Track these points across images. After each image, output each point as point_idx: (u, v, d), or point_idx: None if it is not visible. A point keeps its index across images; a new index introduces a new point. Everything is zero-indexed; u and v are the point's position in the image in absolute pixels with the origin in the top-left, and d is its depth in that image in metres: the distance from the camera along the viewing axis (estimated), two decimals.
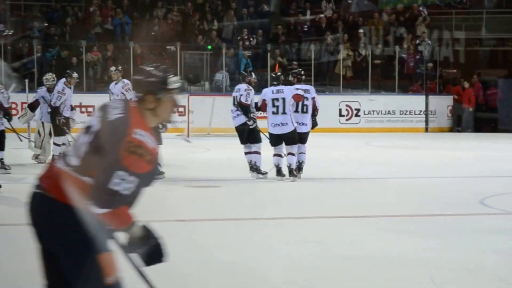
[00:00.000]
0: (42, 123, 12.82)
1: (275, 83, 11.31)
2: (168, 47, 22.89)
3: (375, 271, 5.71)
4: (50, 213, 3.25)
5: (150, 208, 8.68)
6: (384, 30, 23.93)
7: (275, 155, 11.08)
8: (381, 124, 22.14)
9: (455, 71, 24.05)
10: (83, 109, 19.34)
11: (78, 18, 23.47)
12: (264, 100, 11.12)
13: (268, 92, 11.14)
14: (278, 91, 11.04)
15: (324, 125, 19.54)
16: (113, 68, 12.97)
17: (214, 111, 19.39)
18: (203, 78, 22.49)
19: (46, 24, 22.53)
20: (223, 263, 5.87)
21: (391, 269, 5.80)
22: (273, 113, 10.96)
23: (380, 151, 17.04)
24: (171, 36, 23.24)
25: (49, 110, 12.68)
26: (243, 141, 11.44)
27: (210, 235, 7.14)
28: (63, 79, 12.77)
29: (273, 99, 10.99)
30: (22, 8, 23.97)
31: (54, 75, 13.22)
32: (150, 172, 3.24)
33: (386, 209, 8.72)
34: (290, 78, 11.55)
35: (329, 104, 21.52)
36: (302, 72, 11.78)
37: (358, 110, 22.16)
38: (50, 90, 12.74)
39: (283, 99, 10.96)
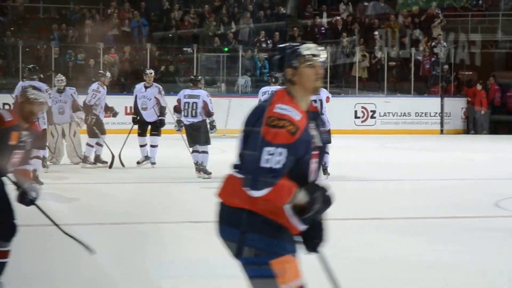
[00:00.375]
0: (55, 124, 12.92)
1: None
2: (184, 49, 23.00)
3: (389, 274, 5.74)
4: (223, 220, 3.28)
5: (166, 209, 8.77)
6: (400, 33, 23.91)
7: None
8: (397, 126, 22.12)
9: (471, 73, 23.99)
10: None
11: (96, 20, 23.62)
12: None
13: None
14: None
15: (340, 127, 19.57)
16: (150, 71, 13.07)
17: (230, 112, 19.47)
18: (219, 80, 22.58)
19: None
20: (238, 265, 5.89)
21: (405, 271, 5.83)
22: None
23: (396, 153, 17.04)
24: (188, 38, 23.36)
25: (60, 110, 12.81)
26: None
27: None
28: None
29: (311, 101, 11.27)
30: (41, 10, 24.14)
31: (64, 77, 13.34)
32: (298, 142, 3.17)
33: (401, 211, 8.74)
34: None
35: (345, 106, 21.55)
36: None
37: (373, 112, 22.15)
38: (61, 91, 12.88)
39: (320, 100, 11.30)
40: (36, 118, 5.15)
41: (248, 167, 3.16)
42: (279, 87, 11.89)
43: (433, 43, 23.48)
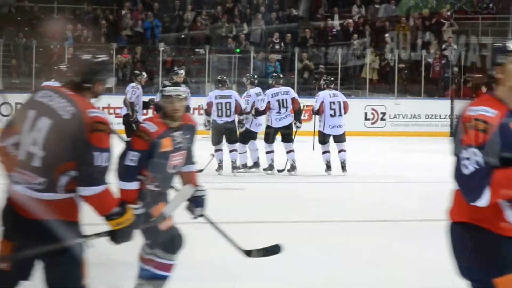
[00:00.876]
0: None
1: (331, 86, 12.38)
2: (197, 50, 23.12)
3: (398, 276, 5.79)
4: (450, 238, 3.25)
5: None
6: (411, 35, 23.93)
7: (325, 152, 12.05)
8: (407, 128, 22.14)
9: (481, 75, 23.99)
10: (111, 111, 19.53)
11: (110, 21, 23.77)
12: (322, 103, 11.95)
13: (326, 96, 12.06)
14: (334, 95, 12.19)
15: (350, 129, 19.61)
16: (182, 71, 12.99)
17: None
18: (230, 81, 22.67)
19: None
20: (245, 266, 5.96)
21: (413, 274, 5.88)
22: (331, 115, 11.96)
23: (405, 155, 17.08)
24: (200, 39, 23.49)
25: None
26: (272, 141, 12.01)
27: (233, 237, 7.23)
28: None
29: (330, 102, 11.97)
30: (55, 11, 24.30)
31: None
32: (493, 141, 2.94)
33: (410, 213, 8.79)
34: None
35: (355, 108, 21.53)
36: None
37: (383, 114, 22.18)
38: None
39: (339, 102, 11.99)
40: (183, 112, 4.74)
41: (457, 180, 3.05)
42: (287, 88, 12.52)
43: (444, 46, 23.50)
